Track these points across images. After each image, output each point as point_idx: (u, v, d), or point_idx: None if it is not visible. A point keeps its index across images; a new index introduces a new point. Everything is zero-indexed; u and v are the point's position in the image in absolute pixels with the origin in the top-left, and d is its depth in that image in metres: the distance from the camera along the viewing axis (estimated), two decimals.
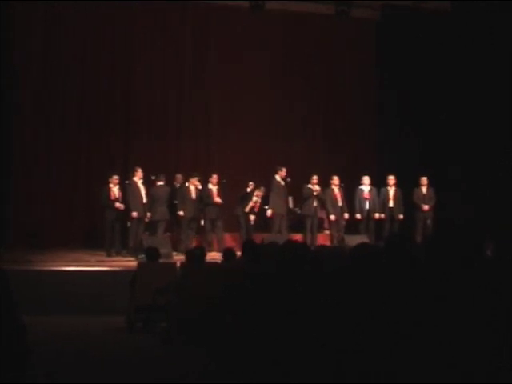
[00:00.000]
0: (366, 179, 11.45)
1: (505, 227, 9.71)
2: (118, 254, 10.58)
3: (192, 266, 6.26)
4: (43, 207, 12.00)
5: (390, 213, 11.31)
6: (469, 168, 11.60)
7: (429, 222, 11.15)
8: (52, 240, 11.55)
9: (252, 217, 11.30)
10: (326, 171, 11.71)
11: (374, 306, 3.11)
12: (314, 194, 11.19)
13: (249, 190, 11.44)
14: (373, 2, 12.91)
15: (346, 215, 11.26)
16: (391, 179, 11.40)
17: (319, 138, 13.63)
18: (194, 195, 11.11)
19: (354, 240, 9.44)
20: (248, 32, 13.21)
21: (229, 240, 11.32)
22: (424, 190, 11.37)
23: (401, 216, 11.31)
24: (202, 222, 11.28)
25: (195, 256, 6.27)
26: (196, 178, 11.21)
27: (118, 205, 10.55)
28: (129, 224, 10.73)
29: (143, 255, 8.26)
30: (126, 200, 10.64)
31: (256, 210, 11.41)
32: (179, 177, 11.65)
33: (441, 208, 11.22)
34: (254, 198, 11.37)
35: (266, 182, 11.46)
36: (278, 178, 11.29)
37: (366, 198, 11.36)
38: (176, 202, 11.14)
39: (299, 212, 11.79)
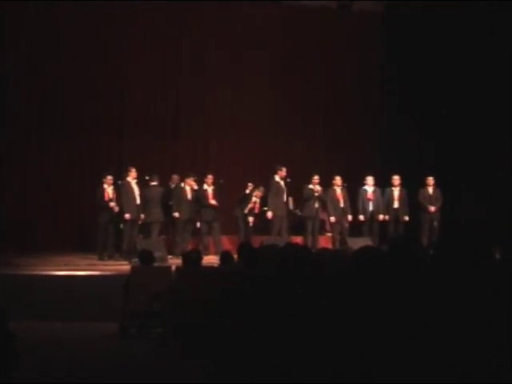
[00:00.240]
0: (370, 179, 11.47)
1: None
2: (111, 257, 10.60)
3: (188, 269, 6.30)
4: (33, 209, 12.05)
5: (395, 214, 11.33)
6: (476, 167, 11.66)
7: (435, 223, 11.17)
8: (42, 243, 11.59)
9: (251, 219, 11.34)
10: (328, 171, 11.73)
11: (377, 311, 3.16)
12: (315, 194, 11.19)
13: (248, 191, 11.47)
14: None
15: (350, 217, 11.28)
16: (396, 179, 11.42)
17: (320, 137, 13.69)
18: (189, 196, 11.15)
19: (356, 243, 9.46)
20: (247, 30, 13.31)
21: (226, 243, 11.35)
22: (430, 190, 11.40)
23: (406, 218, 11.33)
24: (198, 224, 11.32)
25: (191, 259, 6.30)
26: (192, 179, 11.23)
27: (112, 204, 10.60)
28: (122, 226, 10.76)
29: (137, 259, 8.29)
30: (119, 201, 10.69)
31: (256, 211, 11.45)
32: (175, 177, 11.67)
33: (448, 209, 11.27)
34: (253, 199, 11.41)
35: (265, 182, 11.48)
36: (277, 178, 11.31)
37: (370, 199, 11.38)
38: (171, 203, 11.18)
39: (300, 214, 11.83)
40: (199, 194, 11.22)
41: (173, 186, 11.59)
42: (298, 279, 3.87)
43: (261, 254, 5.02)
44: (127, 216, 10.57)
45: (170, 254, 10.57)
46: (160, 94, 13.16)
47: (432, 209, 11.22)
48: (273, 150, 12.99)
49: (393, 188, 11.44)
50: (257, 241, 9.97)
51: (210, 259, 9.81)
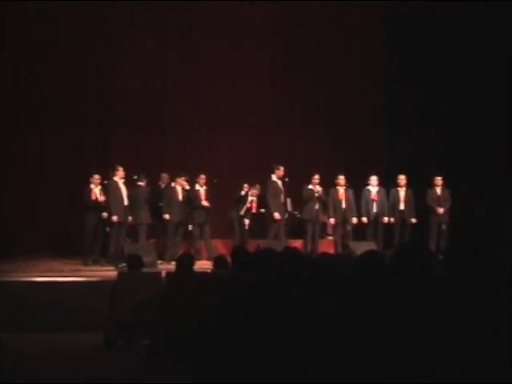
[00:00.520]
0: (374, 179, 11.41)
1: None
2: (96, 262, 10.55)
3: (179, 275, 6.26)
4: (12, 210, 12.00)
5: (401, 216, 11.29)
6: (487, 166, 11.68)
7: (444, 226, 11.14)
8: (21, 247, 11.54)
9: (247, 221, 11.29)
10: (330, 170, 11.71)
11: (377, 317, 3.16)
12: (316, 195, 11.16)
13: (243, 192, 11.37)
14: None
15: (355, 219, 11.23)
16: (402, 179, 11.38)
17: (321, 136, 13.65)
18: (180, 197, 11.11)
19: (360, 247, 9.43)
20: (242, 22, 13.36)
21: (220, 247, 11.32)
22: (438, 190, 11.37)
23: (413, 220, 11.28)
24: (190, 227, 11.28)
25: (184, 264, 6.26)
26: (183, 178, 11.20)
27: (101, 199, 10.57)
28: (108, 229, 10.71)
29: (124, 264, 8.24)
30: (106, 202, 10.65)
31: (254, 211, 11.38)
32: (165, 176, 11.63)
33: (457, 211, 11.26)
34: (250, 198, 11.34)
35: (261, 182, 11.44)
36: (274, 177, 11.26)
37: (374, 200, 11.34)
38: (161, 204, 11.14)
39: (299, 216, 11.79)
40: (191, 195, 11.17)
41: (163, 186, 11.55)
42: (296, 284, 3.84)
43: (257, 258, 4.98)
44: (114, 218, 10.51)
45: (160, 259, 10.53)
46: (151, 89, 13.20)
47: (440, 211, 11.18)
48: (270, 148, 12.96)
49: (398, 188, 11.39)
50: (253, 245, 9.95)
51: (203, 264, 9.77)
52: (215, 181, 11.38)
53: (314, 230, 11.24)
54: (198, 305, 4.93)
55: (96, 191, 10.66)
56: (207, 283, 5.58)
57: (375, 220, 11.28)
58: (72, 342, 7.36)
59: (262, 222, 11.60)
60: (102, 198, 10.58)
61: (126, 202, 10.71)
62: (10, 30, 12.42)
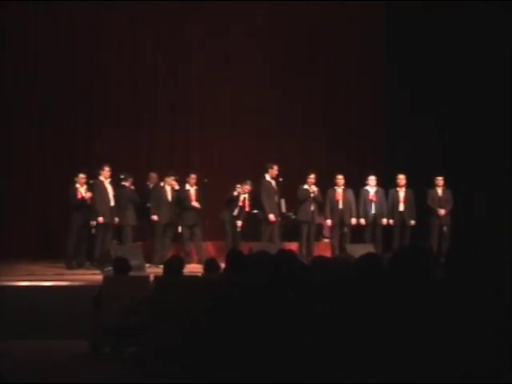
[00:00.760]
0: (372, 179, 11.46)
1: None
2: (80, 265, 10.57)
3: (169, 279, 6.28)
4: None
5: (400, 218, 11.35)
6: (487, 166, 11.76)
7: (445, 228, 11.20)
8: (2, 250, 11.52)
9: (239, 223, 11.28)
10: (326, 170, 11.76)
11: (376, 319, 3.21)
12: (311, 196, 11.20)
13: (236, 193, 11.35)
14: None
15: (353, 220, 11.29)
16: (401, 179, 11.43)
17: (318, 132, 13.70)
18: (170, 197, 11.14)
19: (357, 250, 9.45)
20: (237, 15, 13.38)
21: (211, 249, 11.36)
22: (440, 191, 11.44)
23: (412, 222, 11.36)
24: (180, 229, 11.30)
25: (173, 267, 6.28)
26: (172, 178, 11.22)
27: (88, 195, 10.59)
28: (94, 231, 10.72)
29: (110, 267, 8.26)
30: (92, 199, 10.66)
31: (247, 209, 11.36)
32: (153, 176, 11.66)
33: (459, 212, 11.33)
34: (242, 196, 11.31)
35: (255, 182, 11.46)
36: (267, 177, 11.29)
37: (372, 201, 11.39)
38: (149, 205, 11.16)
39: (294, 217, 11.83)
40: (181, 195, 11.19)
41: (151, 185, 11.57)
42: (291, 287, 3.89)
43: (251, 261, 5.02)
44: (100, 219, 10.53)
45: (148, 262, 10.56)
46: (140, 87, 13.24)
47: (442, 212, 11.25)
48: (264, 147, 12.99)
49: (398, 189, 11.45)
50: (245, 247, 9.96)
51: (193, 268, 9.80)
52: (206, 180, 11.39)
53: (310, 232, 11.28)
54: (188, 309, 4.97)
55: (82, 190, 10.66)
56: (198, 287, 5.61)
57: (374, 222, 11.33)
58: (56, 349, 7.34)
59: (254, 223, 11.63)
60: (88, 195, 10.58)
61: (112, 203, 10.72)
62: None
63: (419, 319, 3.21)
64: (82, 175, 10.71)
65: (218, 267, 6.55)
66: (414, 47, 12.78)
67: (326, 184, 11.43)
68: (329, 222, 11.33)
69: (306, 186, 11.24)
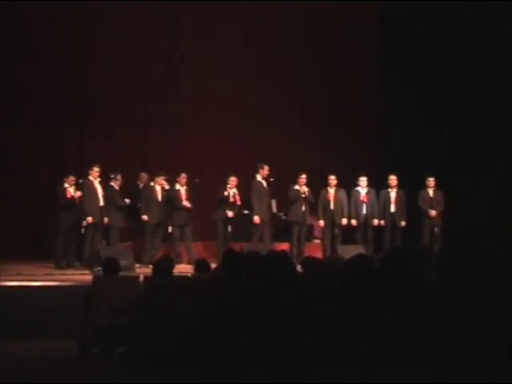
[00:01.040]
0: (363, 180, 11.47)
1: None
2: (70, 265, 10.55)
3: (158, 279, 6.28)
4: None
5: (391, 219, 11.37)
6: (481, 167, 11.80)
7: (436, 230, 11.23)
8: None
9: (230, 213, 11.13)
10: (319, 170, 11.77)
11: (370, 324, 3.21)
12: (302, 196, 11.20)
13: (226, 193, 11.31)
14: None
15: (344, 221, 11.29)
16: (393, 179, 11.45)
17: (310, 132, 13.70)
18: (160, 197, 11.13)
19: (348, 250, 9.49)
20: (229, 15, 13.38)
21: (201, 250, 11.35)
22: (431, 192, 11.46)
23: (403, 223, 11.37)
24: (170, 229, 11.29)
25: (162, 268, 6.28)
26: (162, 177, 11.21)
27: (78, 194, 10.58)
28: (83, 231, 10.70)
29: (100, 267, 8.24)
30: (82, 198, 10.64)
31: (238, 203, 11.30)
32: (144, 176, 11.64)
33: (450, 214, 11.37)
34: (231, 192, 11.21)
35: (246, 182, 11.45)
36: (258, 177, 11.29)
37: (363, 202, 11.41)
38: (139, 205, 11.14)
39: (284, 218, 11.83)
40: (171, 195, 11.18)
41: (141, 185, 11.55)
42: (283, 288, 3.90)
43: (243, 261, 5.04)
44: (89, 219, 10.53)
45: (138, 263, 10.55)
46: (131, 87, 13.24)
47: (433, 213, 11.28)
48: (256, 147, 13.02)
49: (389, 189, 11.47)
50: (236, 248, 9.94)
51: (183, 268, 9.80)
52: (197, 180, 11.38)
53: (301, 233, 11.28)
54: (178, 309, 4.97)
55: (70, 190, 10.64)
56: (188, 287, 5.61)
57: (365, 222, 11.34)
58: (45, 350, 7.32)
59: (245, 224, 11.63)
60: (78, 194, 10.56)
61: (101, 202, 10.71)
62: None
63: (411, 320, 3.22)
64: (71, 177, 10.70)
65: (209, 268, 6.55)
66: (409, 49, 12.77)
67: (318, 184, 11.42)
68: (321, 222, 11.33)
69: (296, 187, 11.24)
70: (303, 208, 11.20)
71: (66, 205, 10.57)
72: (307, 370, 3.29)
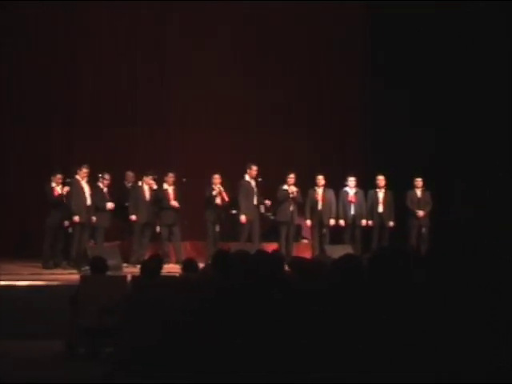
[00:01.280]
0: (352, 180, 11.47)
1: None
2: (57, 265, 10.52)
3: (146, 279, 6.27)
4: None
5: (379, 219, 11.39)
6: (469, 168, 11.84)
7: (424, 230, 11.27)
8: None
9: (218, 200, 11.14)
10: (307, 170, 11.77)
11: (358, 323, 3.22)
12: (291, 196, 11.20)
13: (214, 192, 11.29)
14: None
15: (332, 221, 11.29)
16: (381, 180, 11.46)
17: (299, 132, 13.71)
18: (148, 196, 11.11)
19: (336, 251, 9.51)
20: (219, 14, 13.36)
21: (190, 249, 11.33)
22: (419, 192, 11.49)
23: (391, 223, 11.40)
24: (158, 229, 11.27)
25: (150, 268, 6.27)
26: (150, 177, 11.19)
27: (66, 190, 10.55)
28: (70, 230, 10.67)
29: (87, 267, 8.22)
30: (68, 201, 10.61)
31: (227, 199, 11.28)
32: (130, 175, 11.62)
33: (438, 213, 11.40)
34: (217, 188, 11.18)
35: (233, 182, 11.43)
36: (247, 177, 11.29)
37: (352, 202, 11.42)
38: (127, 204, 11.12)
39: (272, 217, 11.83)
40: (159, 195, 11.17)
41: (129, 184, 11.53)
42: (271, 287, 3.90)
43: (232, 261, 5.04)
44: (76, 218, 10.50)
45: (126, 262, 10.53)
46: (118, 86, 13.24)
47: (420, 213, 11.31)
48: (244, 146, 13.01)
49: (377, 190, 11.49)
50: (224, 247, 9.95)
51: (171, 268, 9.78)
52: (184, 180, 11.37)
53: (289, 233, 11.28)
54: (166, 309, 4.96)
55: (58, 189, 10.61)
56: (176, 287, 5.60)
57: (353, 223, 11.36)
58: (31, 350, 7.30)
59: (232, 223, 11.62)
60: (65, 189, 10.54)
61: (88, 202, 10.68)
62: None
63: (398, 320, 3.23)
64: (59, 176, 10.67)
65: (197, 267, 6.54)
66: (398, 48, 12.76)
67: (306, 184, 11.42)
68: (308, 222, 11.34)
69: (285, 187, 11.23)
70: (291, 208, 11.20)
71: (53, 203, 10.53)
72: (295, 369, 3.29)
